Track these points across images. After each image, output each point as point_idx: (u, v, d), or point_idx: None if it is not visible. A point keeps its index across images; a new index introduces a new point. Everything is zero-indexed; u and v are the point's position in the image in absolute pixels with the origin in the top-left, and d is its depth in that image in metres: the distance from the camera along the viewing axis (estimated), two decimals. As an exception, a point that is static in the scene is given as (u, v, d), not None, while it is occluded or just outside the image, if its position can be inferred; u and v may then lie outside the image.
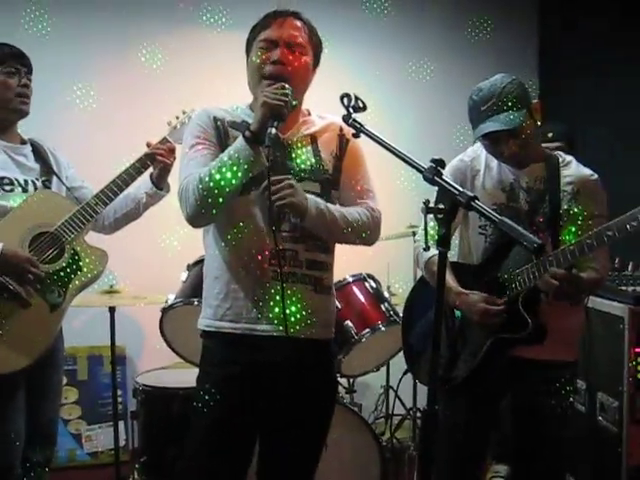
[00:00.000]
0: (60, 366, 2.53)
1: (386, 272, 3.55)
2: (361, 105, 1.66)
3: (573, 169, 2.21)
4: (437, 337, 1.48)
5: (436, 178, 1.45)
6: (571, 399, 2.24)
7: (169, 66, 3.92)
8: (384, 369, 3.71)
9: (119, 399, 3.34)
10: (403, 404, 3.80)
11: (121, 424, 3.50)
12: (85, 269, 2.37)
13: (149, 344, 3.83)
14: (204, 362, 1.96)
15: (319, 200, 1.86)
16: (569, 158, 2.25)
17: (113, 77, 3.83)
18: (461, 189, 1.41)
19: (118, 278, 3.26)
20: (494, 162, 2.25)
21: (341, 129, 1.99)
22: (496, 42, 4.42)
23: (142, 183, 2.50)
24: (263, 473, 2.03)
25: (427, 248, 1.55)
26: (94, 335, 3.60)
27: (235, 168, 1.74)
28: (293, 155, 1.91)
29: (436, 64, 4.39)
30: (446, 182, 1.43)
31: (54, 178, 2.46)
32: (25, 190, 2.35)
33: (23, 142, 2.46)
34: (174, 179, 2.47)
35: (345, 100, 1.66)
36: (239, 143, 1.76)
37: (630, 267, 3.17)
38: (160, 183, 2.51)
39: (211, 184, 1.75)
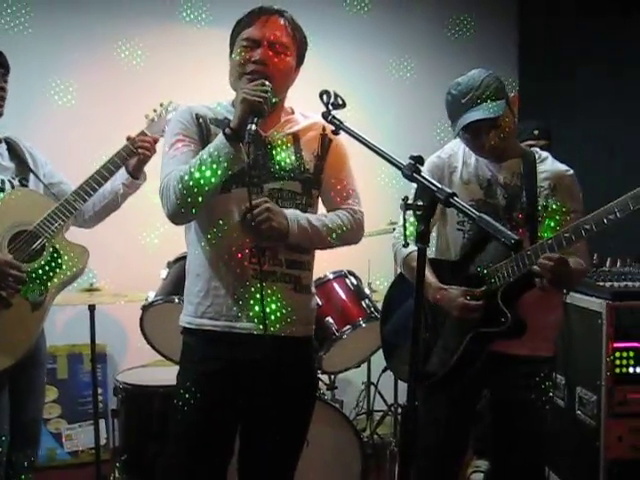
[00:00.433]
0: (42, 365, 2.51)
1: (367, 268, 3.56)
2: (340, 102, 1.66)
3: (549, 165, 2.23)
4: (417, 333, 1.48)
5: (415, 175, 1.45)
6: (550, 394, 2.26)
7: (149, 62, 3.90)
8: (365, 365, 3.72)
9: (99, 397, 3.32)
10: (384, 400, 3.82)
11: (102, 423, 3.48)
12: (66, 266, 2.35)
13: (129, 342, 3.82)
14: (184, 359, 1.96)
15: (299, 214, 1.87)
16: (545, 154, 2.27)
17: (92, 73, 3.80)
18: (440, 185, 1.42)
19: (98, 276, 3.24)
20: (471, 159, 2.26)
21: (324, 128, 1.98)
22: (476, 40, 4.44)
23: (119, 174, 2.48)
24: (244, 470, 2.03)
25: (406, 244, 1.56)
26: (74, 333, 3.58)
27: (215, 165, 1.74)
28: (274, 153, 1.91)
29: (417, 61, 4.41)
30: (425, 179, 1.44)
31: (31, 176, 2.44)
32: (1, 189, 2.33)
33: None
34: (152, 172, 2.48)
35: (324, 97, 1.66)
36: (219, 140, 1.76)
37: (608, 263, 3.21)
38: (137, 173, 2.50)
39: (191, 182, 1.74)
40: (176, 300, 2.76)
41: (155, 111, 2.55)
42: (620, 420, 2.80)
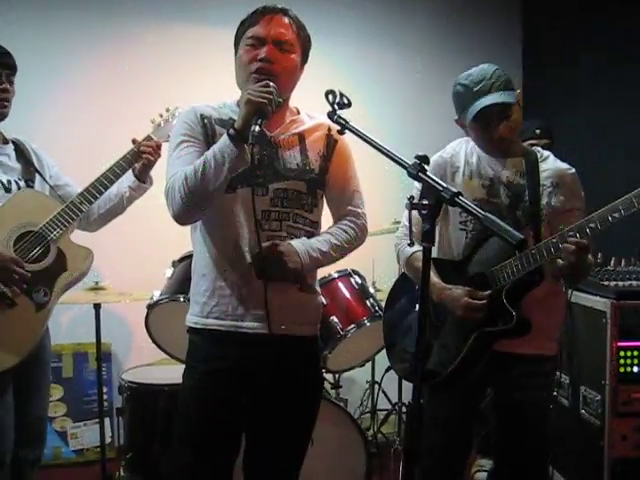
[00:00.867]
0: (47, 364, 2.52)
1: (371, 268, 3.56)
2: (346, 101, 1.66)
3: (551, 163, 2.24)
4: (422, 332, 1.49)
5: (420, 174, 1.46)
6: (554, 393, 2.26)
7: (153, 62, 3.89)
8: (369, 364, 3.72)
9: (104, 396, 3.33)
10: (388, 399, 3.83)
11: (107, 421, 3.48)
12: (70, 268, 2.36)
13: (134, 341, 3.83)
14: (190, 357, 1.97)
15: (309, 245, 1.89)
16: (547, 153, 2.28)
17: (96, 75, 3.80)
18: (445, 185, 1.43)
19: (103, 275, 3.24)
20: (473, 158, 2.26)
21: (329, 129, 1.99)
22: (480, 37, 4.42)
23: (125, 177, 2.49)
24: (249, 468, 2.03)
25: (412, 243, 1.57)
26: (79, 332, 3.59)
27: (219, 166, 1.74)
28: (280, 153, 1.92)
29: (421, 59, 4.40)
30: (430, 178, 1.45)
31: (37, 177, 2.45)
32: (8, 190, 2.34)
33: (5, 142, 2.45)
34: (158, 173, 2.49)
35: (330, 97, 1.67)
36: (223, 141, 1.76)
37: (612, 262, 3.20)
38: (143, 177, 2.51)
39: (196, 182, 1.75)
40: (181, 299, 2.77)
41: (161, 116, 2.57)
42: (624, 419, 2.81)
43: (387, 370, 3.66)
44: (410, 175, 1.48)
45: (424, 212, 1.45)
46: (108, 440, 3.56)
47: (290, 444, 1.99)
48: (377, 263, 3.61)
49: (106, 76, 3.82)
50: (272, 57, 1.85)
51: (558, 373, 3.07)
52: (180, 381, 1.98)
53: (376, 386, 3.91)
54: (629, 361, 2.81)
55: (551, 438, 2.28)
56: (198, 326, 1.92)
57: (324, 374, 2.93)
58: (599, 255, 3.12)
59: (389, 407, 3.82)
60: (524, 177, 2.20)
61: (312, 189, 1.95)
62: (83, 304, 3.19)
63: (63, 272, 2.35)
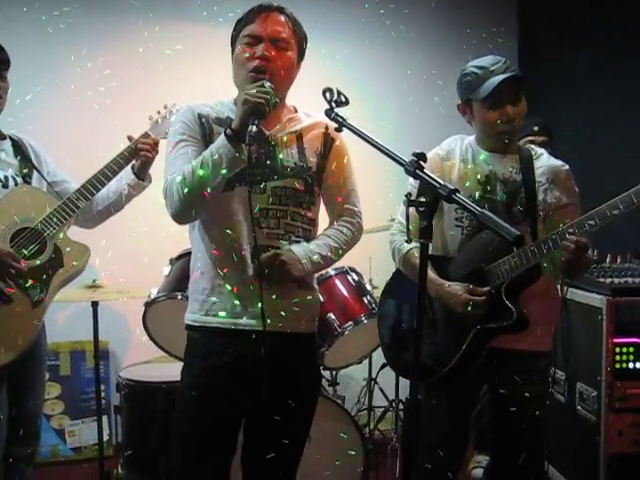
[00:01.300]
0: (43, 362, 2.52)
1: (368, 265, 3.57)
2: (343, 99, 1.66)
3: (545, 160, 2.25)
4: (419, 329, 1.49)
5: (418, 171, 1.46)
6: (550, 389, 2.27)
7: (150, 59, 3.89)
8: (366, 361, 3.73)
9: (102, 394, 3.33)
10: (385, 396, 3.83)
11: (104, 419, 3.49)
12: (67, 264, 2.37)
13: (132, 338, 3.82)
14: (189, 354, 1.97)
15: (309, 250, 1.91)
16: (540, 150, 2.30)
17: (96, 72, 3.79)
18: (442, 182, 1.43)
19: (100, 273, 3.24)
20: (469, 154, 2.27)
21: (327, 128, 2.00)
22: (476, 33, 4.41)
23: (123, 174, 2.49)
24: (248, 464, 2.04)
25: (409, 240, 1.57)
26: (77, 330, 3.59)
27: (217, 166, 1.75)
28: (278, 152, 1.93)
29: (416, 57, 4.40)
30: (428, 175, 1.45)
31: (34, 173, 2.45)
32: (5, 186, 2.34)
33: (2, 137, 2.44)
34: (156, 171, 2.49)
35: (327, 94, 1.67)
36: (220, 141, 1.77)
37: (608, 259, 3.22)
38: (142, 174, 2.51)
39: (194, 182, 1.76)
40: (179, 296, 2.77)
41: (159, 113, 2.57)
42: (620, 415, 2.82)
43: (383, 367, 3.67)
44: (407, 172, 1.48)
45: (421, 209, 1.45)
46: (106, 438, 3.55)
47: (288, 440, 1.99)
48: (374, 260, 3.62)
49: (103, 73, 3.80)
50: (268, 55, 1.85)
51: (554, 369, 3.08)
52: (178, 378, 1.99)
53: (373, 383, 3.91)
54: (625, 357, 2.82)
55: (547, 434, 2.29)
56: (197, 324, 1.93)
57: (321, 371, 2.94)
58: (595, 252, 3.13)
59: (386, 404, 3.83)
60: (519, 174, 2.21)
61: (309, 187, 1.96)
62: (80, 302, 3.19)
63: (60, 268, 2.35)
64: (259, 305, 1.83)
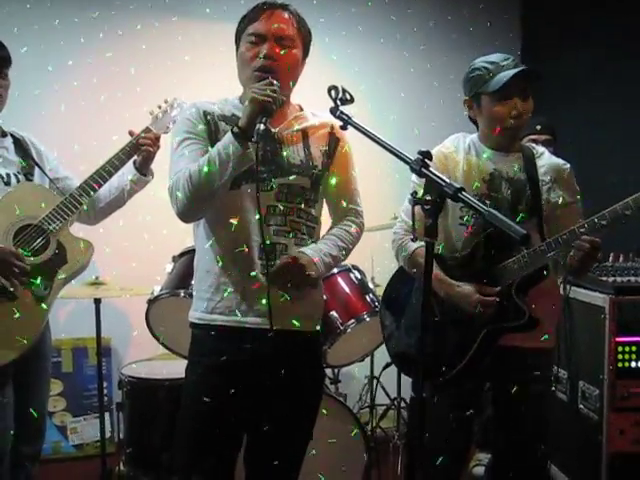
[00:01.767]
0: (47, 359, 2.51)
1: (370, 263, 3.57)
2: (348, 97, 1.67)
3: (547, 159, 2.26)
4: (425, 328, 1.49)
5: (423, 170, 1.46)
6: (552, 388, 2.27)
7: (151, 55, 3.88)
8: (368, 359, 3.73)
9: (104, 391, 3.34)
10: (387, 394, 3.84)
11: (106, 416, 3.49)
12: (70, 261, 2.36)
13: (135, 336, 3.82)
14: (193, 351, 1.98)
15: (320, 251, 1.92)
16: (542, 149, 2.31)
17: (96, 69, 3.79)
18: (448, 180, 1.43)
19: (103, 270, 3.24)
20: (472, 152, 2.27)
21: (332, 127, 2.00)
22: (478, 32, 4.41)
23: (125, 170, 2.48)
24: (251, 463, 2.04)
25: (415, 239, 1.57)
26: (79, 327, 3.58)
27: (223, 164, 1.74)
28: (284, 149, 1.93)
29: (418, 56, 4.39)
30: (433, 174, 1.45)
31: (36, 170, 2.45)
32: (7, 183, 2.34)
33: (4, 135, 2.44)
34: (158, 166, 2.49)
35: (332, 92, 1.67)
36: (227, 139, 1.76)
37: (611, 258, 3.22)
38: (144, 169, 2.50)
39: (200, 180, 1.76)
40: (182, 294, 2.77)
41: (160, 107, 2.55)
42: (622, 414, 2.82)
43: (386, 367, 3.67)
44: (413, 170, 1.48)
45: (427, 207, 1.45)
46: (108, 435, 3.56)
47: (291, 439, 2.00)
48: (376, 259, 3.62)
49: (105, 69, 3.80)
50: (274, 54, 1.85)
51: (556, 368, 3.09)
52: (180, 376, 1.99)
53: (375, 381, 3.91)
54: (627, 356, 2.83)
55: (549, 433, 2.29)
56: (202, 322, 1.93)
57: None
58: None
59: (388, 402, 3.83)
60: (523, 172, 2.22)
61: (315, 185, 1.96)
62: (83, 299, 3.19)
63: (63, 265, 2.34)
64: (264, 303, 1.84)
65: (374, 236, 2.83)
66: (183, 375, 2.00)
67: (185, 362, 2.03)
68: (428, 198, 1.44)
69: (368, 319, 2.95)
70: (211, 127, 1.91)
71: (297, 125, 1.97)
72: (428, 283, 1.47)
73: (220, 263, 1.89)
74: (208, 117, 1.91)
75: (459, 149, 2.29)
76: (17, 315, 2.22)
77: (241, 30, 1.93)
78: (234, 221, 1.86)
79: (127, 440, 3.13)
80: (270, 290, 1.83)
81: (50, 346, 2.53)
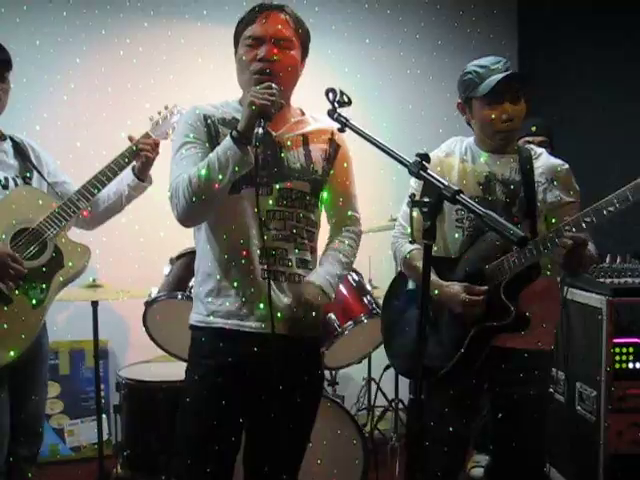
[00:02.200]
0: (44, 361, 2.51)
1: (367, 265, 3.57)
2: (346, 100, 1.66)
3: (544, 160, 2.26)
4: (423, 329, 1.49)
5: (422, 172, 1.46)
6: (550, 389, 2.28)
7: (151, 59, 3.88)
8: (366, 361, 3.73)
9: (102, 393, 3.33)
10: (385, 396, 3.83)
11: (104, 418, 3.49)
12: (67, 265, 2.35)
13: (132, 338, 3.82)
14: (193, 353, 1.97)
15: (328, 274, 1.96)
16: (540, 150, 2.30)
17: (96, 72, 3.79)
18: (447, 183, 1.43)
19: (100, 272, 3.24)
20: (468, 155, 2.28)
21: (332, 133, 2.00)
22: (476, 34, 4.42)
23: (124, 175, 2.48)
24: (249, 464, 2.04)
25: (413, 241, 1.58)
26: (76, 329, 3.58)
27: (223, 168, 1.74)
28: (284, 154, 1.92)
29: (416, 58, 4.40)
30: (432, 176, 1.45)
31: (35, 174, 2.44)
32: (5, 187, 2.33)
33: (2, 138, 2.43)
34: (157, 171, 2.49)
35: (330, 95, 1.67)
36: (227, 143, 1.76)
37: (607, 259, 3.22)
38: (142, 175, 2.50)
39: (200, 184, 1.75)
40: (179, 296, 2.77)
41: (159, 113, 2.55)
42: (620, 415, 2.83)
43: (386, 369, 3.67)
44: (411, 173, 1.48)
45: (425, 210, 1.45)
46: (105, 437, 3.56)
47: (290, 442, 1.99)
48: (373, 261, 3.62)
49: (104, 74, 3.80)
50: (272, 56, 1.84)
51: (554, 369, 3.09)
52: (178, 378, 1.99)
53: (373, 383, 3.91)
54: (624, 357, 2.83)
55: (547, 434, 2.30)
56: (202, 324, 1.92)
57: (322, 371, 2.94)
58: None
59: (385, 404, 3.83)
60: (519, 174, 2.22)
61: (315, 190, 1.96)
62: (80, 301, 3.18)
63: (60, 269, 2.34)
64: (264, 307, 1.84)
65: (371, 238, 2.84)
66: (181, 377, 2.00)
67: (183, 364, 2.02)
68: (426, 200, 1.44)
69: (366, 321, 2.95)
70: (211, 131, 1.90)
71: (298, 129, 1.97)
72: (426, 285, 1.47)
73: (220, 267, 1.89)
74: (208, 121, 1.91)
75: (455, 153, 2.30)
76: (13, 319, 2.21)
77: (239, 33, 1.93)
78: (234, 225, 1.86)
79: (124, 443, 3.13)
80: (271, 295, 1.82)
81: (47, 349, 2.52)
